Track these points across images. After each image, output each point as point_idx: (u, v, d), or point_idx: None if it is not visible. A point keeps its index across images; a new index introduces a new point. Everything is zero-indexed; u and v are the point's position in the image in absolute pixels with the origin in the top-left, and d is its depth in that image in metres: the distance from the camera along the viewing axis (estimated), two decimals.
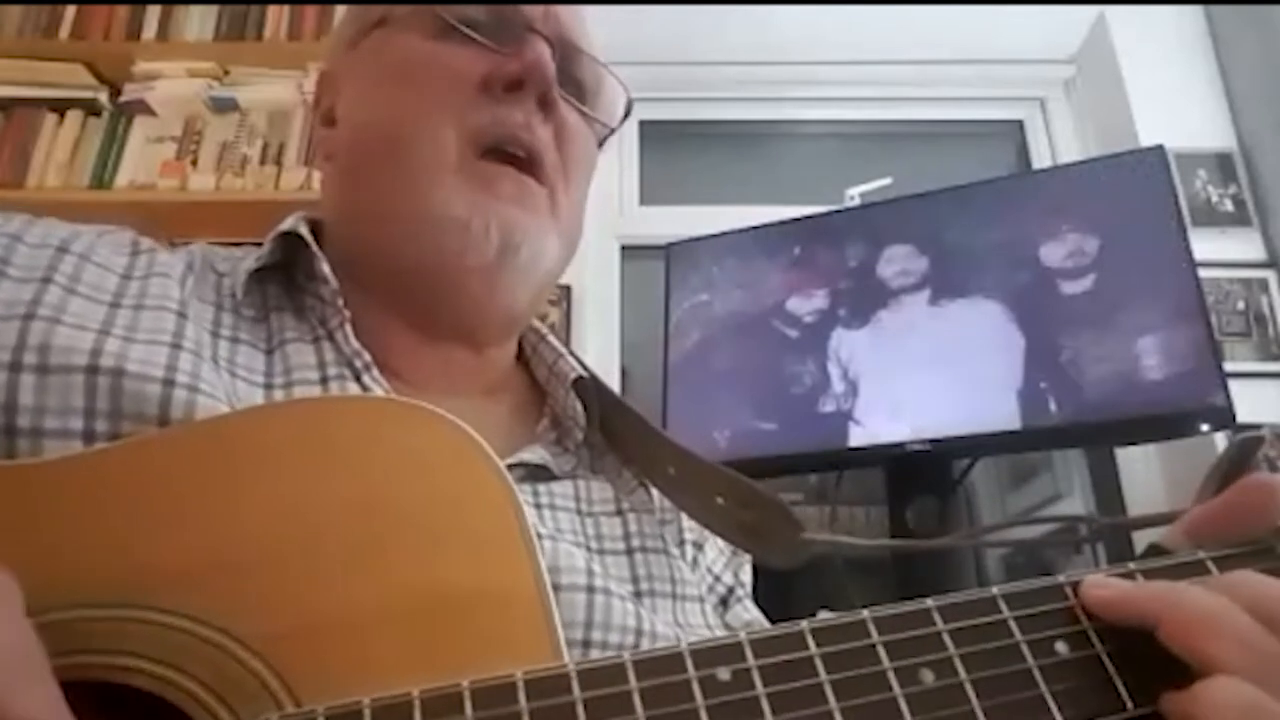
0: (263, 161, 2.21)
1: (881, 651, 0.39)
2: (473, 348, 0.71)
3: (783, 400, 1.76)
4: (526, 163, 0.68)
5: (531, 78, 0.67)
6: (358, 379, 0.63)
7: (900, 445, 1.65)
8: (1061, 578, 0.41)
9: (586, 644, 0.57)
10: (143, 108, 2.26)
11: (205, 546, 0.45)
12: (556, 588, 0.46)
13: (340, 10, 2.28)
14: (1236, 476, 0.49)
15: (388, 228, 0.67)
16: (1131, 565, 0.42)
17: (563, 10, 0.72)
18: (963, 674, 0.38)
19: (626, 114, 0.80)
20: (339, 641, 0.42)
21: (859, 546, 0.60)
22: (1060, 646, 0.39)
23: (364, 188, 0.69)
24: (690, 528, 0.73)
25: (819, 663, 0.39)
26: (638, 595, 0.64)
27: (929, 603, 0.41)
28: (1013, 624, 0.40)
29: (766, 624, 0.74)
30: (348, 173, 0.71)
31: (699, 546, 0.74)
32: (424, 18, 0.70)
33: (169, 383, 0.55)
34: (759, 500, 0.64)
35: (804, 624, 0.40)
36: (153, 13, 2.33)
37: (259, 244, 0.69)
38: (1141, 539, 0.56)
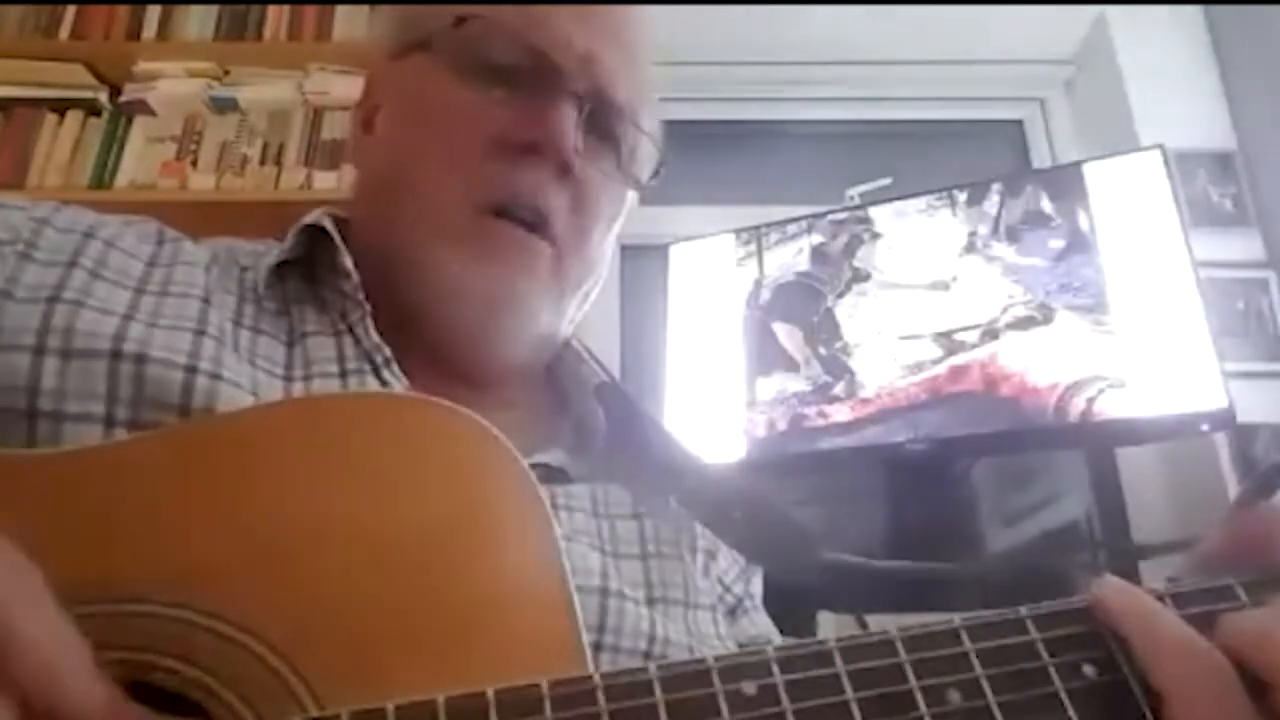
0: (263, 161, 2.20)
1: (908, 670, 0.39)
2: (477, 389, 0.69)
3: (782, 400, 1.77)
4: (534, 225, 0.67)
5: (546, 146, 0.65)
6: (377, 374, 0.63)
7: (900, 445, 1.66)
8: (1089, 598, 0.41)
9: (598, 647, 0.57)
10: (143, 108, 2.25)
11: (229, 544, 0.45)
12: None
13: (340, 10, 2.29)
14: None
15: (391, 264, 0.67)
16: (1161, 589, 0.42)
17: (608, 55, 0.69)
18: (990, 695, 0.38)
19: (655, 174, 0.77)
20: (363, 642, 0.43)
21: (873, 569, 0.61)
22: (1088, 669, 0.39)
23: (377, 216, 0.70)
24: (704, 535, 0.73)
25: (845, 680, 0.39)
26: (651, 601, 0.64)
27: (956, 621, 0.40)
28: (1040, 645, 0.40)
29: (775, 634, 0.74)
30: (367, 191, 0.72)
31: (711, 555, 0.74)
32: (458, 55, 0.68)
33: (191, 369, 0.55)
34: (776, 518, 0.64)
35: (831, 641, 0.40)
36: (153, 13, 2.31)
37: (280, 239, 0.70)
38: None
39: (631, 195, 0.78)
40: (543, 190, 0.66)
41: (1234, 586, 0.41)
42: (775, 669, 0.39)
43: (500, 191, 0.66)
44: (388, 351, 0.64)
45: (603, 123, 0.70)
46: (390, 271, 0.67)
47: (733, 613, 0.74)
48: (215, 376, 0.55)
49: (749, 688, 0.39)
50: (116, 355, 0.54)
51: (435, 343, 0.68)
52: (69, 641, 0.37)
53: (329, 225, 0.68)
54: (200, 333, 0.58)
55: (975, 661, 0.39)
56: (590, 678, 0.39)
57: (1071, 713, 0.38)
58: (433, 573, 0.45)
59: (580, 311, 0.76)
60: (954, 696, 0.38)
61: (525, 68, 0.67)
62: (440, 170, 0.66)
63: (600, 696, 0.38)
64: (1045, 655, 0.39)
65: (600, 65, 0.69)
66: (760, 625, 0.75)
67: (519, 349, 0.69)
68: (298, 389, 0.61)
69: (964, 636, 0.40)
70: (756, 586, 0.78)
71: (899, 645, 0.40)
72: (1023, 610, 0.41)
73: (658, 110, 0.76)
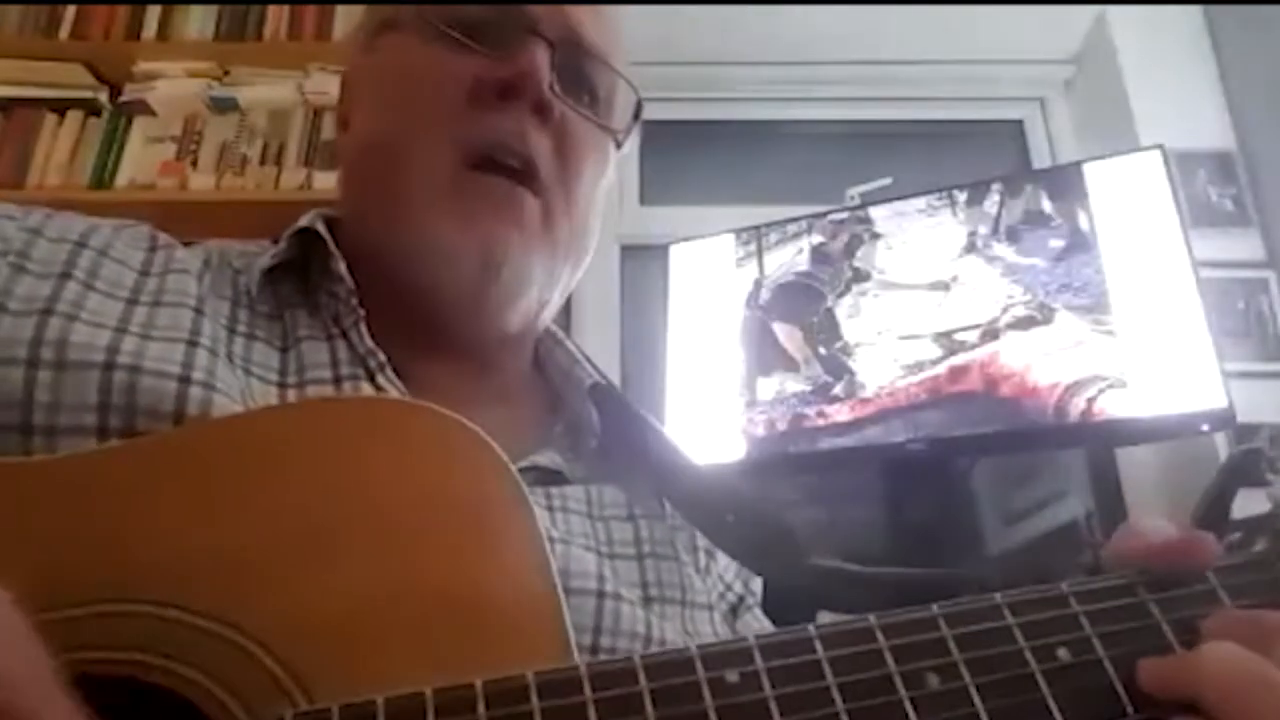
0: (263, 161, 2.20)
1: (887, 655, 0.40)
2: (476, 361, 0.71)
3: (782, 400, 1.77)
4: (522, 173, 0.67)
5: (522, 84, 0.65)
6: (371, 379, 0.63)
7: (900, 445, 1.66)
8: (1064, 585, 0.42)
9: (595, 649, 0.57)
10: (143, 108, 2.25)
11: (218, 544, 0.45)
12: (566, 591, 0.46)
13: (340, 10, 2.29)
14: (1228, 495, 0.50)
15: (385, 244, 0.67)
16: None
17: (574, 7, 0.70)
18: (967, 678, 0.39)
19: (636, 117, 0.78)
20: (352, 639, 0.43)
21: (863, 575, 0.61)
22: (1062, 652, 0.40)
23: (365, 202, 0.70)
24: None
25: (826, 666, 0.39)
26: (647, 601, 0.64)
27: (934, 608, 0.41)
28: (1016, 629, 0.41)
29: None
30: (352, 183, 0.72)
31: (711, 554, 0.74)
32: (424, 21, 0.69)
33: (185, 380, 0.55)
34: (767, 521, 0.64)
35: (812, 628, 0.41)
36: (153, 13, 2.32)
37: (275, 241, 0.70)
38: None
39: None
40: (524, 133, 0.66)
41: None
42: (757, 656, 0.40)
43: (482, 138, 0.66)
44: (382, 356, 0.64)
45: (576, 66, 0.71)
46: (383, 252, 0.67)
47: (734, 610, 0.74)
48: (209, 387, 0.55)
49: (731, 675, 0.39)
50: (110, 367, 0.54)
51: (431, 317, 0.67)
52: (25, 658, 0.36)
53: (321, 228, 0.68)
54: (193, 344, 0.58)
55: (952, 646, 0.40)
56: (576, 667, 0.40)
57: (1047, 694, 0.39)
58: (416, 569, 0.45)
59: (572, 282, 0.75)
60: (932, 680, 0.39)
61: (493, 18, 0.68)
62: (421, 130, 0.66)
63: (586, 685, 0.39)
64: (1021, 639, 0.40)
65: (568, 14, 0.70)
66: (763, 621, 0.75)
67: (515, 312, 0.69)
68: (291, 395, 0.61)
69: (941, 622, 0.41)
70: (757, 585, 0.78)
71: (878, 632, 0.40)
72: (998, 597, 0.42)
73: (628, 59, 0.76)
